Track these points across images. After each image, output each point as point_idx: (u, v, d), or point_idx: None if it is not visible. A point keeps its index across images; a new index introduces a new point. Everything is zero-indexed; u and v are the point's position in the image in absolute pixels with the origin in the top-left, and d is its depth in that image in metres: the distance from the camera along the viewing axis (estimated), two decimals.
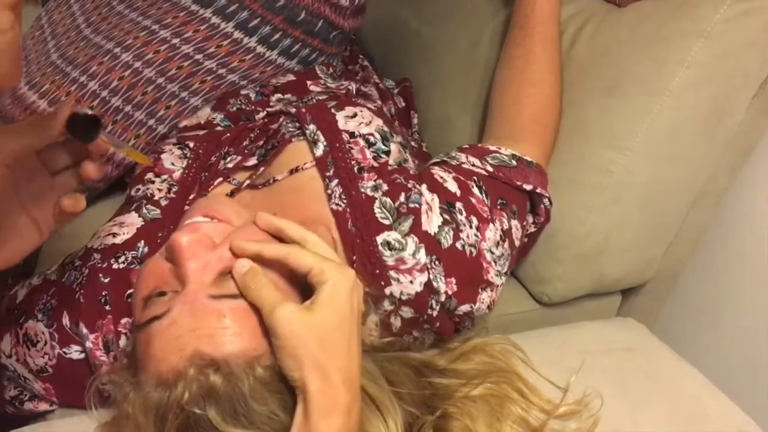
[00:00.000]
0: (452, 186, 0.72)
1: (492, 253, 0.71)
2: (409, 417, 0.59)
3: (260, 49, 0.92)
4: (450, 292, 0.68)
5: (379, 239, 0.68)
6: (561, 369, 0.70)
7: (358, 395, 0.53)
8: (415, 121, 1.08)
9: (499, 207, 0.73)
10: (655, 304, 0.99)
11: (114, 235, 0.72)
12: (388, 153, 0.74)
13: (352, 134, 0.74)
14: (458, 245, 0.69)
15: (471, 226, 0.70)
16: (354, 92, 0.98)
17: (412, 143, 1.00)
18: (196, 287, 0.54)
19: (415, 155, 0.92)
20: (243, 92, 0.94)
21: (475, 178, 0.74)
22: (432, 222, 0.69)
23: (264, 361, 0.52)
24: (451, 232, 0.69)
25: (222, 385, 0.50)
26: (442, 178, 0.73)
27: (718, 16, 0.77)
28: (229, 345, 0.52)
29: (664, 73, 0.79)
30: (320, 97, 0.91)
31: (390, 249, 0.67)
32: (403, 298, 0.67)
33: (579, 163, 0.85)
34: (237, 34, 0.91)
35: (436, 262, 0.68)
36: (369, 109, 0.80)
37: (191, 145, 0.83)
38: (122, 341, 0.66)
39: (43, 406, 0.73)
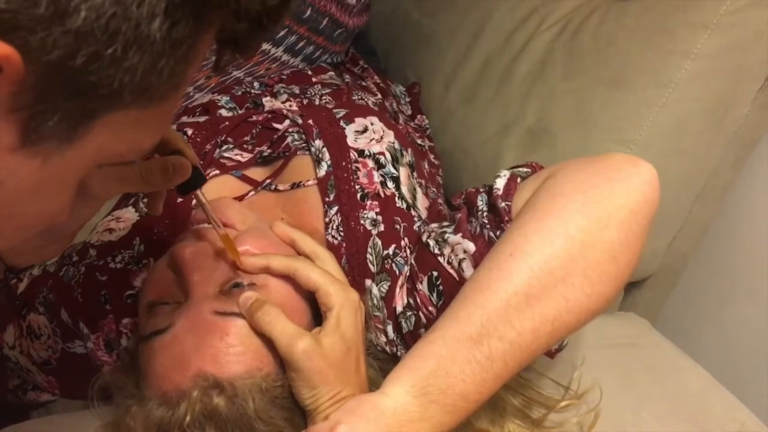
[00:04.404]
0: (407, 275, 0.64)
1: None
2: None
3: (266, 46, 0.91)
4: None
5: (366, 283, 0.64)
6: (563, 364, 0.69)
7: None
8: (426, 122, 1.06)
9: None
10: (657, 299, 0.99)
11: (111, 230, 0.71)
12: (396, 179, 0.69)
13: (361, 152, 0.69)
14: (421, 332, 0.62)
15: (420, 322, 0.63)
16: (353, 84, 0.96)
17: (419, 141, 0.98)
18: (200, 300, 0.54)
19: (424, 154, 0.90)
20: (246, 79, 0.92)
21: (435, 273, 0.62)
22: (400, 301, 0.63)
23: (272, 380, 0.52)
24: (413, 318, 0.62)
25: (225, 408, 0.50)
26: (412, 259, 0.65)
27: (725, 7, 0.76)
28: (234, 365, 0.51)
29: (670, 65, 0.78)
30: (324, 91, 0.90)
31: (370, 300, 0.64)
32: (378, 348, 0.64)
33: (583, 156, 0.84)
34: None
35: (401, 342, 0.64)
36: (378, 117, 0.75)
37: (189, 132, 0.80)
38: (123, 340, 0.66)
39: (45, 397, 0.73)
